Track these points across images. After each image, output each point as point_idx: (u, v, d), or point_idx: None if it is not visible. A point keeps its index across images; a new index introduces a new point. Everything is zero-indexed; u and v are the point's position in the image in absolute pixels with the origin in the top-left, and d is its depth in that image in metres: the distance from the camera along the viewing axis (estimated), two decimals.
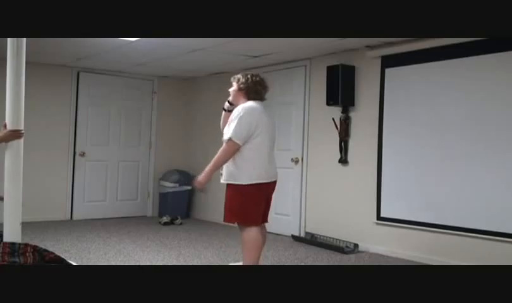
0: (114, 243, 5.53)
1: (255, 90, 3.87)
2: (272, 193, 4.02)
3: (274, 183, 3.98)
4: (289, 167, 6.13)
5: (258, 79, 3.91)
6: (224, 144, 3.74)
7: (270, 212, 4.12)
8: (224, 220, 3.93)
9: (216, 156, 3.76)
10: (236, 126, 3.68)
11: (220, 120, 4.09)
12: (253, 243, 3.77)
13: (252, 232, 3.78)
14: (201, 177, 3.81)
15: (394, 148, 5.19)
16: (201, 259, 4.91)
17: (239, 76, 3.93)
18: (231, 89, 3.97)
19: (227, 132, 3.74)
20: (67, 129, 7.16)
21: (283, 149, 6.14)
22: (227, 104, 4.02)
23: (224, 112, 4.04)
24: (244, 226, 3.82)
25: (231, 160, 3.76)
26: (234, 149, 3.71)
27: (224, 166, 3.84)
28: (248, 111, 3.73)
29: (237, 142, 3.68)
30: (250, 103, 3.81)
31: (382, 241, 5.27)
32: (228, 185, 3.85)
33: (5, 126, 2.93)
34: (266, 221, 4.07)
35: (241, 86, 3.88)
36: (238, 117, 3.70)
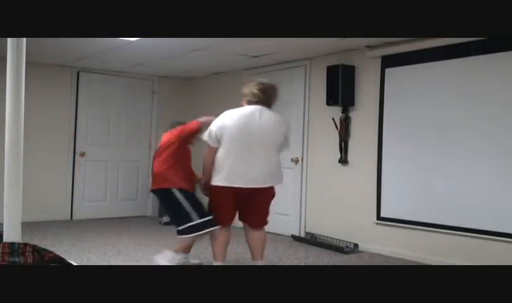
0: (114, 243, 5.53)
1: (251, 93, 3.96)
2: (254, 198, 3.90)
3: (256, 189, 3.83)
4: (289, 167, 6.13)
5: (259, 86, 3.95)
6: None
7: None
8: None
9: (203, 160, 4.05)
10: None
11: None
12: (215, 236, 4.02)
13: (218, 229, 4.01)
14: (200, 183, 4.17)
15: (394, 147, 5.19)
16: (201, 259, 4.91)
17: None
18: None
19: None
20: (67, 129, 7.16)
21: None
22: None
23: None
24: None
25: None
26: (210, 149, 3.94)
27: None
28: (220, 116, 3.93)
29: (210, 143, 3.92)
30: (231, 109, 3.96)
31: (382, 241, 5.27)
32: None
33: None
34: (256, 226, 4.03)
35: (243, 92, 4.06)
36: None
